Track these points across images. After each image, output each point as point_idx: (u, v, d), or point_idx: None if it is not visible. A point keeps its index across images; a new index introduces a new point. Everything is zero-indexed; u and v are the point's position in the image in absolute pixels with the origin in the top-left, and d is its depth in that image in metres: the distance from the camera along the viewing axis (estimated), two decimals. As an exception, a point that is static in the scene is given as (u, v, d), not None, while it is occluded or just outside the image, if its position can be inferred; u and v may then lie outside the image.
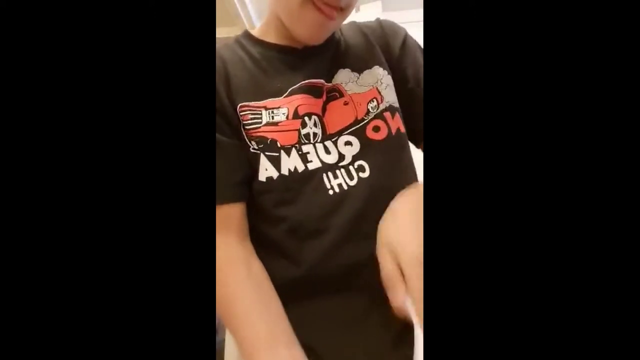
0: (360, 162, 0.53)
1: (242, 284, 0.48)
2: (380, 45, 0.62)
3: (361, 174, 0.53)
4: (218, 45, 0.59)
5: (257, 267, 0.51)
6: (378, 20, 0.65)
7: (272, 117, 0.53)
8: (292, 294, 0.50)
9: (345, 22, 0.61)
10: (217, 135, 0.51)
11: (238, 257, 0.50)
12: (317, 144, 0.53)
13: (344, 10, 0.53)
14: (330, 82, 0.57)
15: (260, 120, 0.53)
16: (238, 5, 1.64)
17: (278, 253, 0.52)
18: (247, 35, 0.61)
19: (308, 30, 0.54)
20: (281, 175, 0.51)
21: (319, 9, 0.51)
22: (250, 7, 1.74)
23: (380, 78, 0.59)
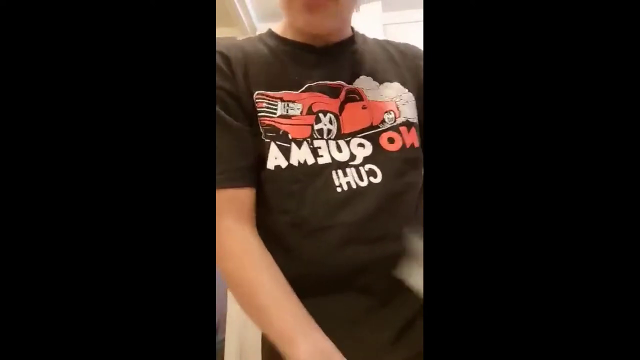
0: (372, 166, 0.54)
1: (266, 274, 0.47)
2: (410, 67, 0.63)
3: (372, 179, 0.53)
4: (240, 39, 0.60)
5: (270, 256, 0.50)
6: (406, 44, 0.67)
7: (287, 111, 0.53)
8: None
9: (367, 34, 0.64)
10: (231, 120, 0.51)
11: (253, 245, 0.49)
12: (329, 141, 0.53)
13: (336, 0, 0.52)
14: (351, 84, 0.58)
15: (275, 111, 0.53)
16: (238, 5, 1.63)
17: (280, 247, 0.51)
18: (270, 32, 0.62)
19: (300, 15, 0.53)
20: (290, 165, 0.52)
21: None
22: (250, 7, 1.74)
23: (400, 94, 0.60)
